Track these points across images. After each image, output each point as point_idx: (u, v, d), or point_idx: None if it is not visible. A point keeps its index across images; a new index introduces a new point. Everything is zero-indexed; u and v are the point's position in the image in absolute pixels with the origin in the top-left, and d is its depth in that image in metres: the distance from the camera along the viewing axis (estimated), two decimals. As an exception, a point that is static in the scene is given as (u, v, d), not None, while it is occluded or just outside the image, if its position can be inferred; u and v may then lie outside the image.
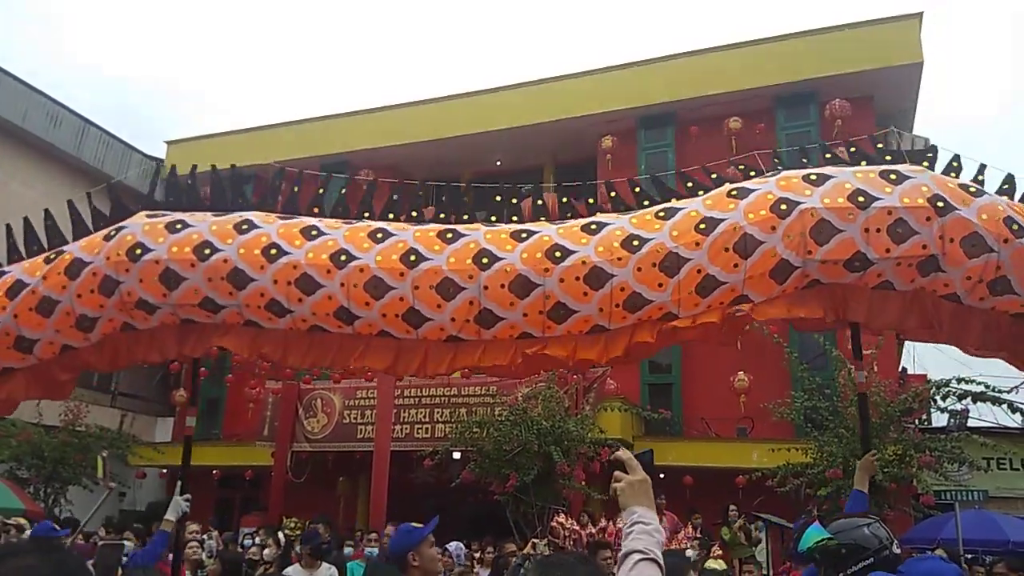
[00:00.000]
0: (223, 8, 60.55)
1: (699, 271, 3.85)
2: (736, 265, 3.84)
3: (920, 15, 15.23)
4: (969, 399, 10.95)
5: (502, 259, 3.92)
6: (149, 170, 20.30)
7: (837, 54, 15.23)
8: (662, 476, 13.25)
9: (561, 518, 9.86)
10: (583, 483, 11.69)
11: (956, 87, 53.65)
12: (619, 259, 3.87)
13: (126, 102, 56.40)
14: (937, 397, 11.37)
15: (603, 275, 3.85)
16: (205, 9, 60.72)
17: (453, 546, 9.46)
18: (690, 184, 4.48)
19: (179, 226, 4.19)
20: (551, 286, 3.89)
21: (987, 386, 10.51)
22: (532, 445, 11.35)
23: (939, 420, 13.75)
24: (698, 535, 9.60)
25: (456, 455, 12.56)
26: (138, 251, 4.08)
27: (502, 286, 3.87)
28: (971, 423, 11.81)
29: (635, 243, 3.93)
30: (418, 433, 13.81)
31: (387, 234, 4.12)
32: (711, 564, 7.86)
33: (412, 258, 3.98)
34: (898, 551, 2.66)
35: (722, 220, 3.94)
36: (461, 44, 58.99)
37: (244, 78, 60.72)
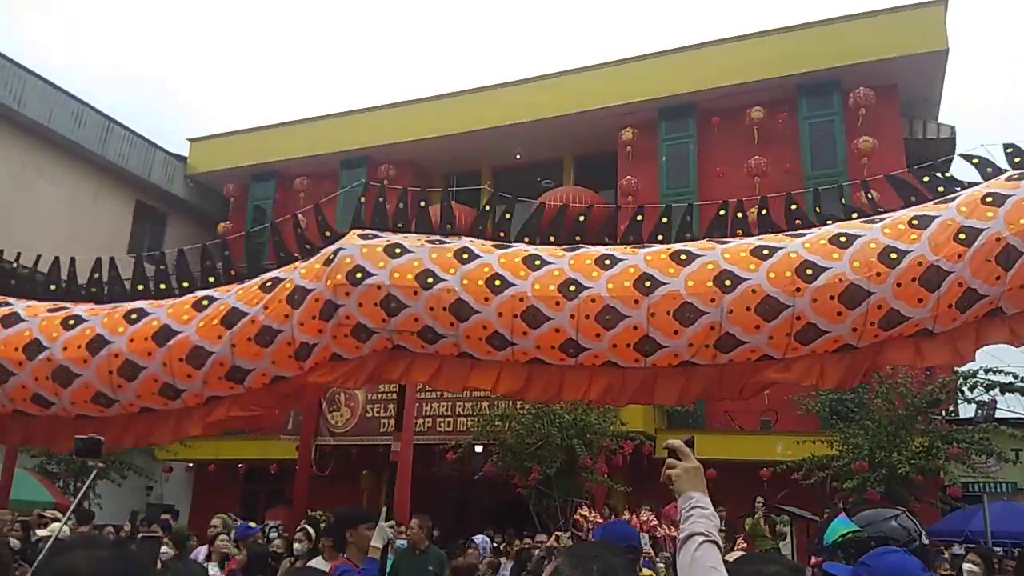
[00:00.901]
0: (240, 6, 60.94)
1: (960, 284, 3.61)
2: (998, 277, 3.60)
3: (945, 1, 15.00)
4: (997, 389, 10.83)
5: (746, 280, 3.69)
6: (172, 168, 20.53)
7: (861, 42, 15.04)
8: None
9: (584, 511, 9.88)
10: (605, 476, 11.69)
11: (983, 74, 52.82)
12: (877, 274, 3.63)
13: (148, 101, 56.97)
14: (964, 388, 11.25)
15: (860, 293, 3.62)
16: (220, 10, 61.15)
17: (479, 539, 9.49)
18: (941, 188, 4.04)
19: (398, 251, 4.02)
20: (802, 306, 3.66)
21: (1016, 376, 10.40)
22: (554, 438, 11.36)
23: (966, 411, 13.60)
24: (723, 527, 9.57)
25: (478, 448, 12.60)
26: (358, 274, 3.92)
27: (748, 309, 3.66)
28: (999, 414, 11.68)
29: (893, 256, 3.65)
30: (441, 427, 13.86)
31: (615, 260, 3.93)
32: (728, 558, 7.83)
33: (647, 284, 3.76)
34: (927, 542, 2.64)
35: (982, 230, 3.64)
36: (479, 38, 58.99)
37: (261, 74, 61.11)
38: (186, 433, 4.32)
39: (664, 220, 4.29)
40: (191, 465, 17.16)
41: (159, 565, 6.15)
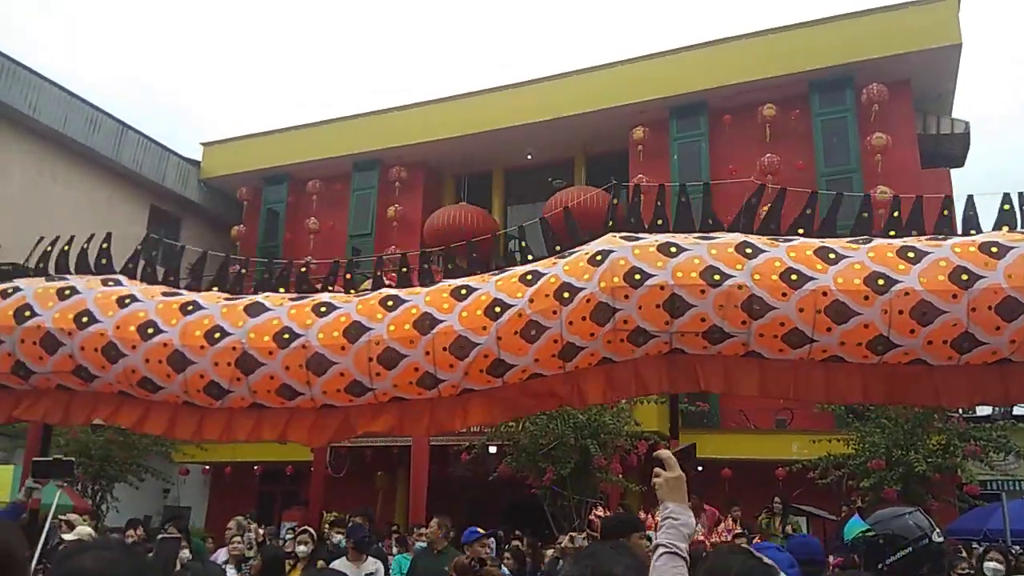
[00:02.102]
0: (249, 11, 61.23)
1: None
2: None
3: (958, -5, 14.91)
4: (1015, 386, 10.72)
5: (984, 278, 3.55)
6: (186, 172, 20.67)
7: (873, 37, 14.95)
8: (700, 469, 13.15)
9: (599, 511, 9.86)
10: (620, 476, 11.68)
11: (996, 69, 52.36)
12: None
13: (159, 107, 57.33)
14: (982, 385, 11.14)
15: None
16: (228, 15, 61.46)
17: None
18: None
19: (673, 249, 3.78)
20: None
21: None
22: (569, 438, 11.35)
23: (984, 408, 13.50)
24: (738, 527, 9.55)
25: (493, 449, 12.61)
26: (636, 276, 3.68)
27: (989, 308, 3.52)
28: (1017, 411, 11.58)
29: None
30: (455, 427, 13.89)
31: (920, 253, 3.69)
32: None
33: (964, 277, 3.56)
34: (940, 540, 2.62)
35: None
36: (490, 39, 59.02)
37: (271, 79, 61.41)
38: (441, 427, 4.17)
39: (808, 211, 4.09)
40: (207, 467, 17.28)
41: (178, 566, 6.18)
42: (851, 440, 11.22)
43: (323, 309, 4.01)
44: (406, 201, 18.61)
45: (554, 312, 3.74)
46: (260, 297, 4.18)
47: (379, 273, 4.53)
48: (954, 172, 16.01)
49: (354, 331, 3.89)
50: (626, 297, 3.67)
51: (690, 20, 53.60)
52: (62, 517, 7.90)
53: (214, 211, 21.13)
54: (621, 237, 3.96)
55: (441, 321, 3.84)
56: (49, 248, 4.65)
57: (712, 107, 16.23)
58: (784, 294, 3.61)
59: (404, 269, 4.29)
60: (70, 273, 4.53)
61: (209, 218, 21.20)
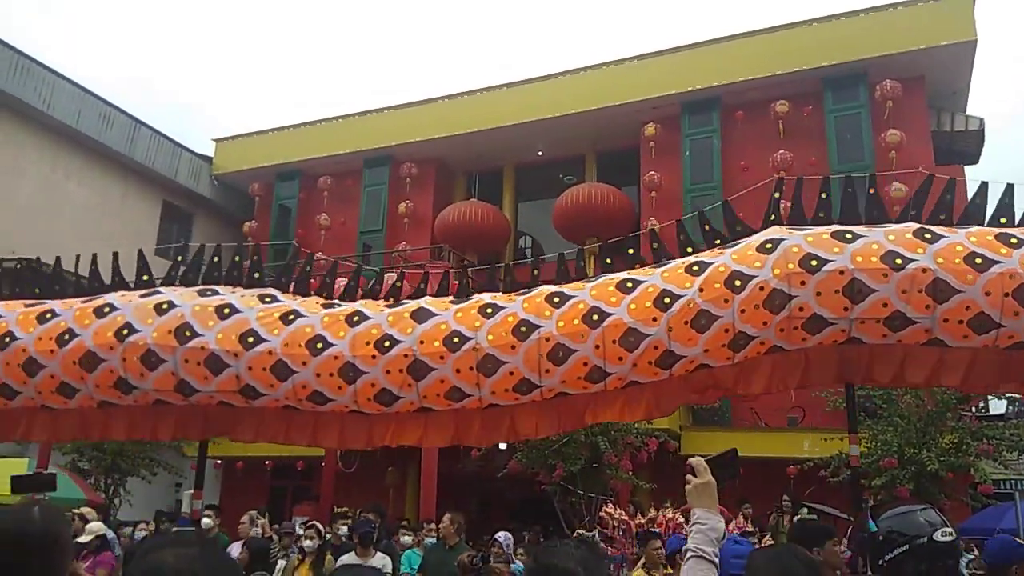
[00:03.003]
0: (259, 8, 61.35)
1: None
2: None
3: (974, -9, 14.78)
4: (1029, 385, 10.64)
5: None
6: (198, 168, 20.76)
7: (887, 33, 14.84)
8: (741, 472, 13.11)
9: (609, 508, 9.85)
10: (630, 473, 11.66)
11: (1012, 65, 51.89)
12: None
13: (171, 104, 57.59)
14: (995, 384, 11.07)
15: None
16: (238, 12, 61.62)
17: (502, 536, 9.48)
18: None
19: (848, 235, 3.71)
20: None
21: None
22: (578, 435, 11.34)
23: (997, 407, 13.39)
24: (749, 525, 9.53)
25: (502, 445, 12.61)
26: (813, 262, 3.62)
27: None
28: (1031, 410, 11.49)
29: None
30: (465, 424, 13.90)
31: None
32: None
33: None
34: (944, 539, 2.55)
35: None
36: (502, 35, 58.95)
37: (282, 75, 61.54)
38: (596, 418, 4.14)
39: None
40: (219, 462, 17.36)
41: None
42: (863, 438, 11.17)
43: (489, 310, 4.02)
44: (417, 197, 18.62)
45: (726, 301, 3.68)
46: (424, 302, 4.20)
47: (387, 269, 4.55)
48: (968, 169, 15.90)
49: (523, 329, 3.89)
50: (802, 283, 3.59)
51: (702, 16, 53.39)
52: (75, 511, 7.99)
53: (226, 207, 21.21)
54: (787, 230, 3.89)
55: (610, 314, 3.81)
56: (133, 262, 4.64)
57: (724, 103, 16.16)
58: (970, 277, 3.52)
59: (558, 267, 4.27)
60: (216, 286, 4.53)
61: (221, 214, 21.28)
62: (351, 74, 59.86)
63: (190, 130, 49.35)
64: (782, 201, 4.15)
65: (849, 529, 10.26)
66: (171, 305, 4.27)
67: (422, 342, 3.96)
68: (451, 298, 4.26)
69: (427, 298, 4.27)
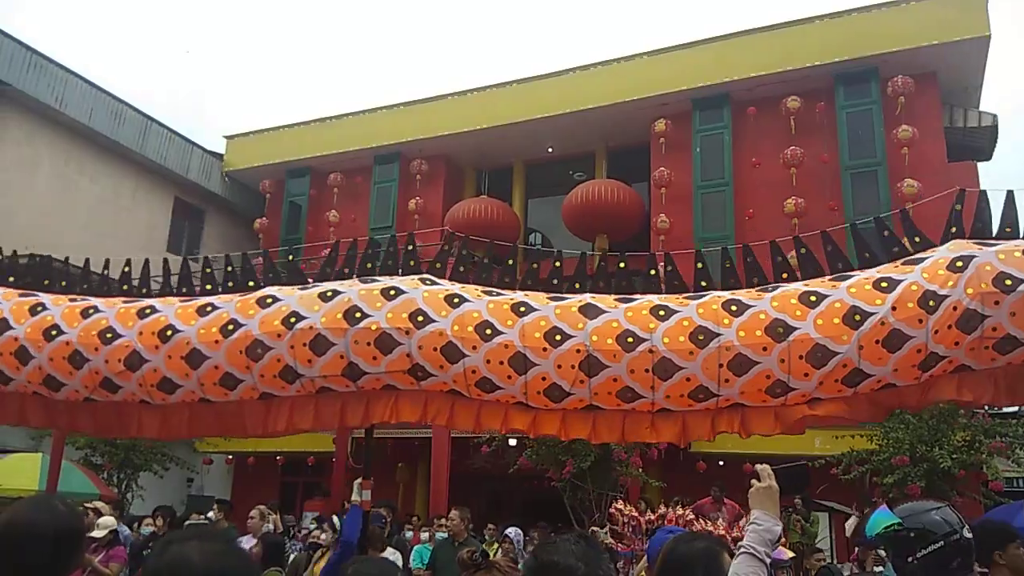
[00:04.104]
0: (267, 6, 61.52)
1: None
2: None
3: (987, -15, 14.67)
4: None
5: None
6: (209, 165, 20.86)
7: (899, 29, 14.76)
8: (721, 464, 13.12)
9: (619, 505, 9.86)
10: (640, 470, 11.65)
11: (1026, 59, 51.44)
12: None
13: (185, 99, 57.83)
14: (1008, 381, 11.00)
15: None
16: (246, 10, 61.79)
17: (512, 532, 9.53)
18: None
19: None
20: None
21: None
22: (589, 432, 11.35)
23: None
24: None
25: (512, 441, 12.64)
26: (1007, 281, 3.53)
27: None
28: (1045, 408, 11.42)
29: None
30: (475, 420, 13.93)
31: None
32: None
33: None
34: (970, 536, 2.61)
35: None
36: (511, 31, 58.91)
37: (291, 73, 61.68)
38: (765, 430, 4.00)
39: None
40: (231, 457, 17.47)
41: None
42: (875, 436, 11.13)
43: (662, 312, 3.94)
44: (427, 194, 18.66)
45: (920, 321, 3.60)
46: (590, 297, 4.12)
47: (405, 262, 4.56)
48: (981, 166, 15.81)
49: (701, 337, 3.82)
50: (996, 303, 3.52)
51: (712, 12, 53.18)
52: (88, 505, 8.05)
53: (237, 204, 21.31)
54: (973, 243, 3.78)
55: (795, 328, 3.73)
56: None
57: (735, 99, 16.11)
58: None
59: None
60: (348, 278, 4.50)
61: (232, 211, 21.39)
62: (361, 71, 59.99)
63: (201, 128, 49.61)
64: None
65: (854, 526, 10.25)
66: (335, 292, 4.30)
67: (595, 338, 3.90)
68: (614, 296, 4.16)
69: (589, 294, 4.19)
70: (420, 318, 4.10)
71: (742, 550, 2.30)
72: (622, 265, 4.33)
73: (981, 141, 16.02)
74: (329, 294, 4.28)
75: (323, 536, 7.06)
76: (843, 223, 14.57)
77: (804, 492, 9.74)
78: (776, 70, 15.48)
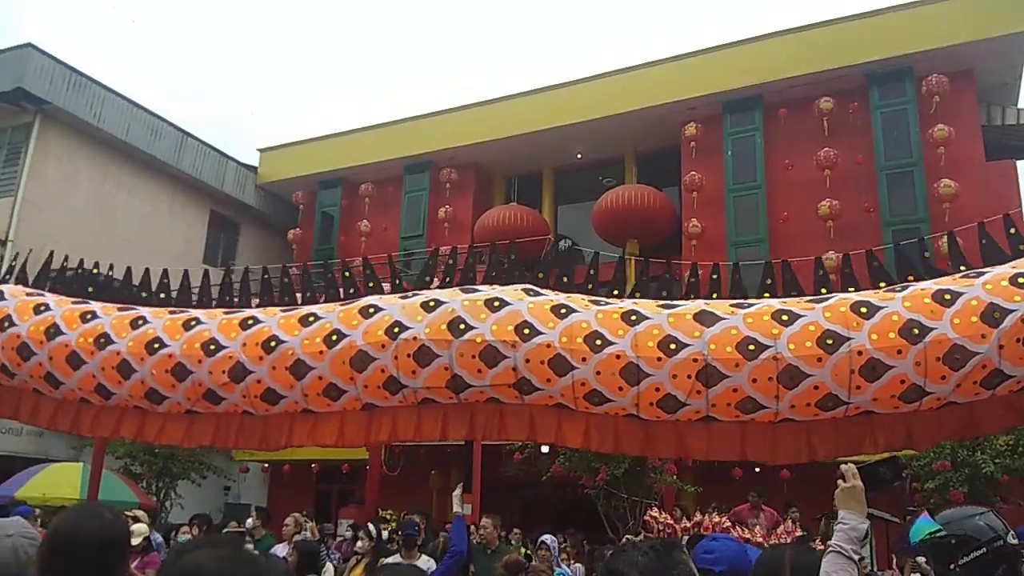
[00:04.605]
0: (289, 21, 62.35)
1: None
2: None
3: (1024, -20, 14.37)
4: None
5: None
6: (244, 177, 21.17)
7: (933, 26, 14.52)
8: (757, 470, 12.95)
9: (654, 512, 9.77)
10: (675, 476, 11.54)
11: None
12: None
13: (218, 114, 58.79)
14: (1053, 382, 10.72)
15: None
16: (270, 27, 62.67)
17: (549, 539, 9.49)
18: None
19: None
20: None
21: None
22: (622, 438, 11.27)
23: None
24: (799, 529, 9.37)
25: (545, 449, 12.59)
26: None
27: None
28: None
29: None
30: (507, 427, 13.90)
31: None
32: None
33: None
34: (1015, 542, 2.53)
35: None
36: (539, 38, 59.04)
37: (319, 86, 62.39)
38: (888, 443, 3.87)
39: None
40: (267, 466, 17.64)
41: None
42: (915, 441, 10.91)
43: (784, 317, 3.79)
44: (457, 202, 18.73)
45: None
46: (704, 304, 4.00)
47: (430, 277, 4.55)
48: (1021, 164, 15.45)
49: (830, 341, 3.65)
50: None
51: (742, 14, 52.79)
52: (128, 513, 8.17)
53: (271, 215, 21.59)
54: None
55: (931, 329, 3.57)
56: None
57: (767, 101, 15.95)
58: None
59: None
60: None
61: (266, 222, 21.67)
62: (391, 82, 60.50)
63: (234, 142, 50.31)
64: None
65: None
66: (438, 302, 4.24)
67: (713, 347, 3.74)
68: (731, 300, 4.05)
69: (702, 300, 4.08)
70: (526, 330, 4.00)
71: (831, 549, 2.38)
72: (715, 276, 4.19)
73: (1020, 139, 15.68)
74: (432, 304, 4.21)
75: (359, 544, 7.10)
76: (879, 225, 14.39)
77: (890, 487, 9.51)
78: (808, 71, 15.30)
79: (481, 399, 4.24)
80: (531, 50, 58.46)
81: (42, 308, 5.00)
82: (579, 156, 18.58)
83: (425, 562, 6.54)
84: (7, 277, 5.65)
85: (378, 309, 4.32)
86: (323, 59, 61.16)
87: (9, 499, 10.05)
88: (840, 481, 2.57)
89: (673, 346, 3.80)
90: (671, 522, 9.26)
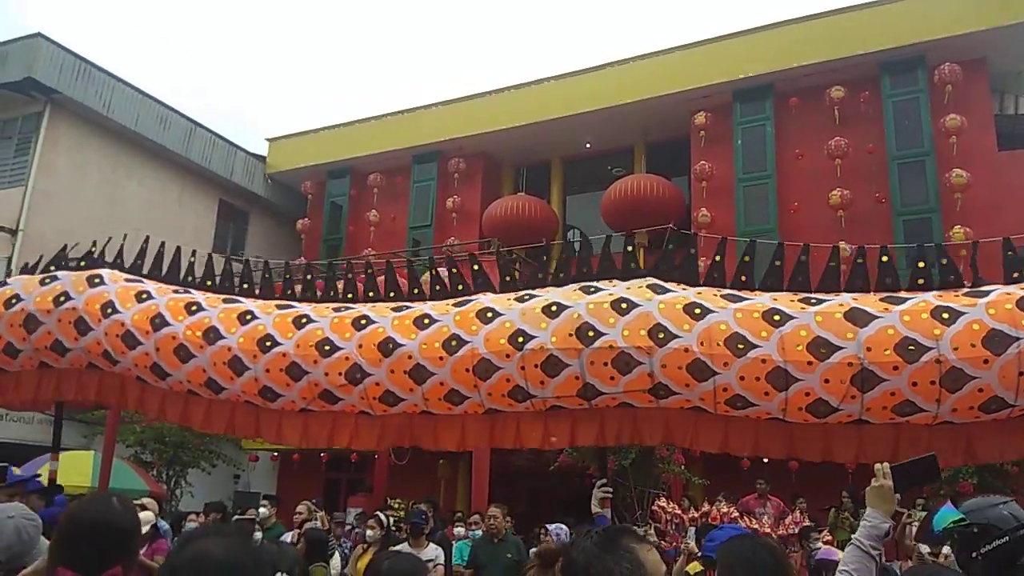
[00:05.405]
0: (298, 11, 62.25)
1: None
2: None
3: (1039, -34, 14.19)
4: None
5: None
6: (252, 167, 21.20)
7: (946, 14, 14.36)
8: (766, 461, 12.92)
9: (662, 502, 9.78)
10: (683, 467, 11.53)
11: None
12: None
13: (226, 104, 58.84)
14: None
15: None
16: (277, 17, 62.58)
17: (554, 527, 9.50)
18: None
19: None
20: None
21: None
22: (630, 428, 11.25)
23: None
24: (807, 520, 9.36)
25: (553, 438, 12.58)
26: None
27: None
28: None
29: None
30: (515, 417, 13.92)
31: None
32: (818, 546, 7.65)
33: None
34: None
35: None
36: (547, 27, 58.78)
37: (327, 75, 62.33)
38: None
39: None
40: (276, 454, 17.72)
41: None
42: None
43: (945, 315, 3.59)
44: (465, 192, 18.70)
45: None
46: (851, 299, 3.77)
47: (435, 271, 4.51)
48: (1035, 154, 15.30)
49: (997, 340, 3.46)
50: None
51: (754, 1, 52.39)
52: (136, 501, 8.22)
53: (280, 205, 21.62)
54: None
55: (1017, 339, 3.43)
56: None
57: (778, 90, 15.83)
58: None
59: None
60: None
61: (275, 212, 21.71)
62: (399, 71, 60.39)
63: (239, 136, 50.33)
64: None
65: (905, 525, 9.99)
66: (560, 306, 4.04)
67: (869, 349, 3.54)
68: (878, 295, 3.82)
69: (848, 294, 3.83)
70: (661, 334, 3.80)
71: (851, 542, 2.55)
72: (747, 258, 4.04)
73: (1033, 129, 15.52)
74: (554, 308, 4.03)
75: (368, 533, 7.13)
76: (890, 215, 14.29)
77: (936, 481, 9.48)
78: (819, 60, 15.17)
79: (612, 404, 4.09)
80: (540, 39, 58.25)
81: (144, 296, 4.93)
82: (588, 145, 18.51)
83: (433, 551, 6.56)
84: (40, 267, 5.46)
85: (496, 314, 4.17)
86: (327, 52, 61.13)
87: (33, 479, 10.10)
88: (873, 478, 2.68)
89: (824, 349, 3.60)
90: (679, 512, 9.26)
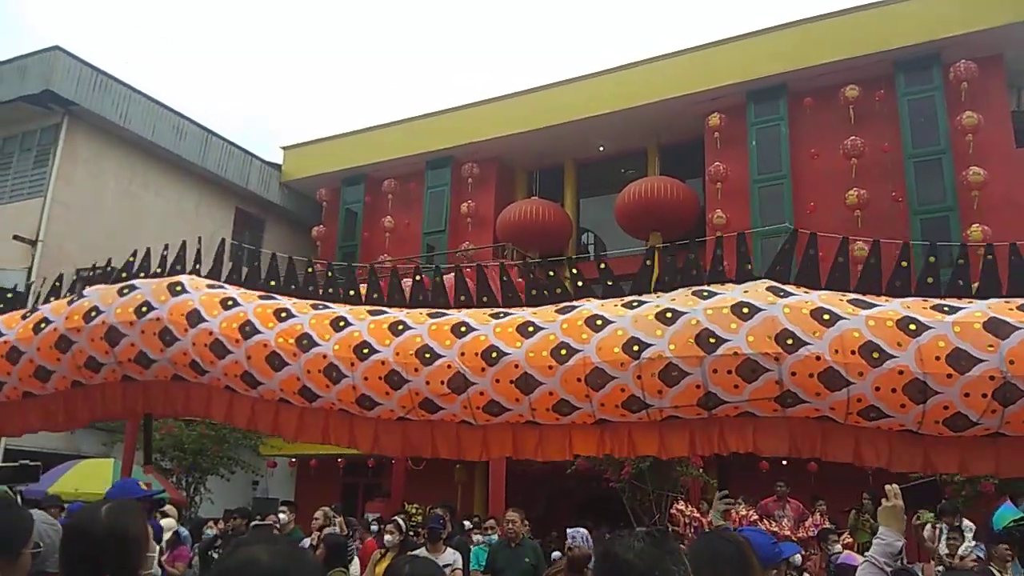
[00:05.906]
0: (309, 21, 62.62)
1: None
2: None
3: (1055, -39, 14.05)
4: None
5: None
6: (268, 175, 21.35)
7: (961, 11, 14.25)
8: (784, 463, 12.85)
9: (680, 505, 9.73)
10: (701, 470, 11.47)
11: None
12: None
13: (241, 114, 59.26)
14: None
15: None
16: (290, 28, 63.00)
17: (572, 532, 9.47)
18: None
19: None
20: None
21: None
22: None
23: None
24: (827, 522, 9.30)
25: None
26: None
27: None
28: None
29: None
30: (532, 421, 13.90)
31: None
32: (836, 548, 7.60)
33: None
34: None
35: None
36: (560, 31, 58.82)
37: (341, 82, 62.64)
38: None
39: None
40: (294, 460, 17.80)
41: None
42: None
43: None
44: (479, 197, 18.74)
45: None
46: (989, 308, 3.64)
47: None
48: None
49: None
50: None
51: (766, 1, 52.24)
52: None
53: (296, 213, 21.75)
54: None
55: None
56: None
57: (792, 90, 15.76)
58: None
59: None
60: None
61: (291, 220, 21.83)
62: (411, 78, 60.62)
63: (257, 141, 50.69)
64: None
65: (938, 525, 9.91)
66: (675, 312, 3.92)
67: (1012, 362, 3.43)
68: (1010, 304, 3.66)
69: (984, 301, 3.71)
70: (789, 341, 3.66)
71: (865, 560, 2.78)
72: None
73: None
74: (669, 315, 3.90)
75: (387, 538, 7.13)
76: (907, 213, 14.19)
77: (944, 505, 9.46)
78: (833, 59, 15.09)
79: (733, 413, 3.96)
80: (552, 43, 58.30)
81: (230, 303, 4.81)
82: (601, 148, 18.49)
83: (451, 555, 6.55)
84: (69, 286, 5.37)
85: (607, 321, 4.02)
86: (340, 60, 61.45)
87: (44, 495, 10.22)
88: (884, 500, 2.89)
89: (964, 362, 3.48)
90: (698, 515, 9.22)
